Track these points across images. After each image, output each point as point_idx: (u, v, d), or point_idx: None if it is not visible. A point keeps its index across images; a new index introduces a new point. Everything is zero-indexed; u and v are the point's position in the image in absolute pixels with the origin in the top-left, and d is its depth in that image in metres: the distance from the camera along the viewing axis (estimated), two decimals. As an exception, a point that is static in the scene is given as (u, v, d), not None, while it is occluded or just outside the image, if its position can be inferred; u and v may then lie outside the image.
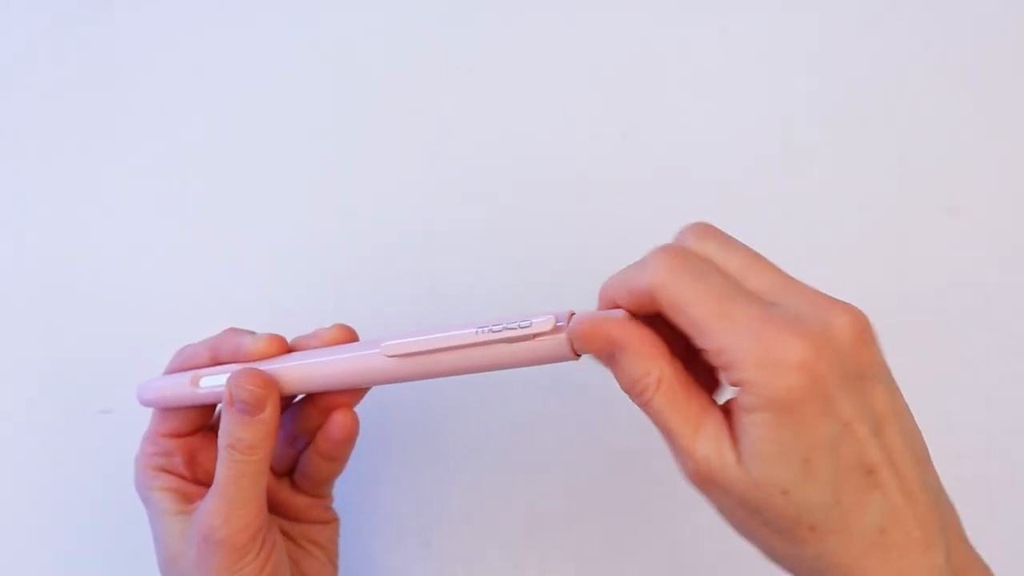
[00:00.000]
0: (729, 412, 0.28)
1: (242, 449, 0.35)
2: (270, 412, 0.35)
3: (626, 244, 0.47)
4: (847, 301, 0.28)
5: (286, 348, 0.37)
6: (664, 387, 0.29)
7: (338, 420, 0.38)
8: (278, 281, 0.48)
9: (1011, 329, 0.46)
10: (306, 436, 0.39)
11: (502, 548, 0.46)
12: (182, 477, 0.38)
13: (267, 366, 0.36)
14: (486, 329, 0.32)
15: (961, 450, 0.46)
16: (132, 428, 0.47)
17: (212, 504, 0.35)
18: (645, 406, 0.29)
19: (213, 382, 0.37)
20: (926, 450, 0.28)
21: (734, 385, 0.27)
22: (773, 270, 0.30)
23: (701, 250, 0.30)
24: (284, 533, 0.39)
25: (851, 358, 0.27)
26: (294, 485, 0.40)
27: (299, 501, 0.40)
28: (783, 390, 0.26)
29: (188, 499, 0.37)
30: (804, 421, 0.26)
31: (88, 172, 0.49)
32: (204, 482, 0.38)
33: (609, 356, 0.30)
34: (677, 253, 0.29)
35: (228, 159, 0.48)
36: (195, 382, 0.37)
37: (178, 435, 0.39)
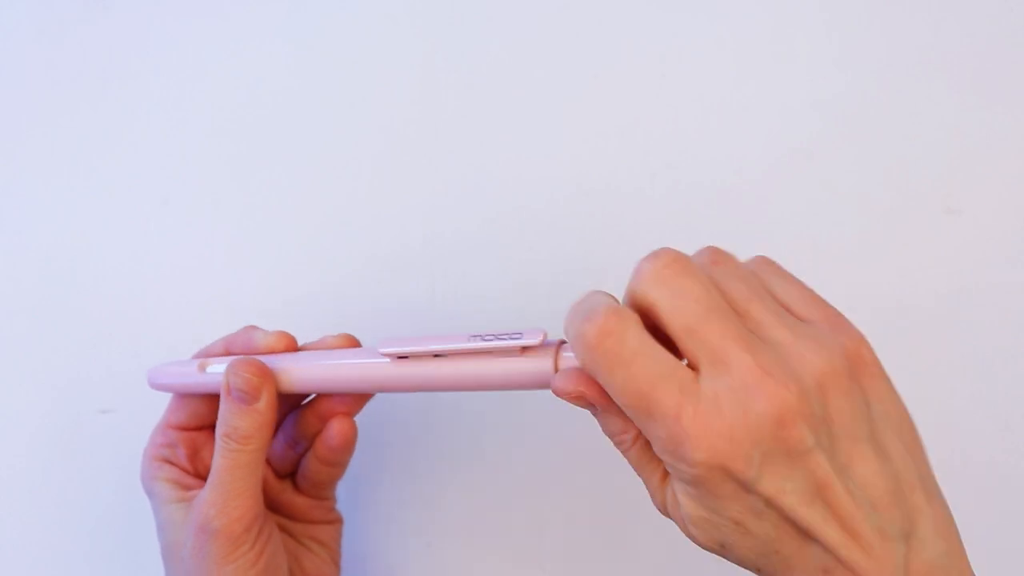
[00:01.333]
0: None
1: (237, 438, 0.35)
2: (266, 402, 0.36)
3: (626, 244, 0.47)
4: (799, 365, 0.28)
5: (294, 346, 0.38)
6: (638, 445, 0.31)
7: (335, 427, 0.39)
8: (278, 282, 0.48)
9: (1011, 329, 0.46)
10: (305, 441, 0.40)
11: (502, 548, 0.46)
12: (184, 469, 0.39)
13: (270, 360, 0.37)
14: (479, 337, 0.33)
15: (961, 449, 0.46)
16: (132, 428, 0.47)
17: (208, 494, 0.35)
18: (623, 454, 0.31)
19: (220, 369, 0.37)
20: (894, 489, 0.28)
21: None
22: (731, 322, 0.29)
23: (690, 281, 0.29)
24: (286, 530, 0.40)
25: (772, 441, 0.27)
26: (296, 487, 0.41)
27: (301, 502, 0.41)
28: (694, 477, 0.27)
29: (187, 489, 0.38)
30: (722, 499, 0.27)
31: (89, 172, 0.49)
32: (204, 476, 0.38)
33: (591, 408, 0.32)
34: (619, 317, 0.29)
35: (228, 160, 0.48)
36: (202, 368, 0.38)
37: (185, 428, 0.39)
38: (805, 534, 0.27)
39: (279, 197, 0.48)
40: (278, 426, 0.40)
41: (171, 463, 0.39)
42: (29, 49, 0.49)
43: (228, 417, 0.36)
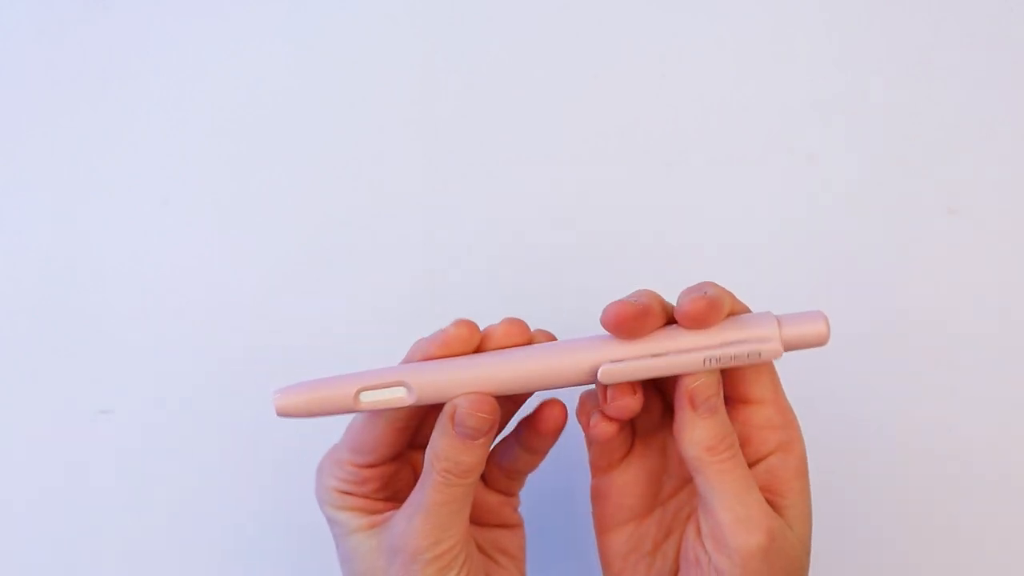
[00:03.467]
0: None
1: (459, 473, 0.33)
2: (491, 436, 0.33)
3: (626, 243, 0.47)
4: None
5: (526, 337, 0.35)
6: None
7: (546, 412, 0.36)
8: (278, 281, 0.48)
9: (1011, 329, 0.46)
10: (498, 429, 0.36)
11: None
12: (370, 498, 0.36)
13: (479, 366, 0.33)
14: (713, 359, 0.32)
15: (961, 450, 0.46)
16: (132, 428, 0.47)
17: (419, 525, 0.33)
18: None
19: (376, 397, 0.33)
20: None
21: None
22: None
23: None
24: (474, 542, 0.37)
25: None
26: (485, 481, 0.38)
27: (490, 500, 0.38)
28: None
29: (375, 513, 0.35)
30: None
31: (89, 172, 0.49)
32: (395, 500, 0.36)
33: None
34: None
35: (228, 160, 0.48)
36: (356, 398, 0.33)
37: (373, 466, 0.36)
38: None
39: (279, 197, 0.48)
40: None
41: (355, 495, 0.36)
42: (29, 49, 0.49)
43: (450, 452, 0.33)
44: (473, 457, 0.33)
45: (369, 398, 0.33)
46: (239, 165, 0.48)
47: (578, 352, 0.33)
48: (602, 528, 0.37)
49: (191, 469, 0.47)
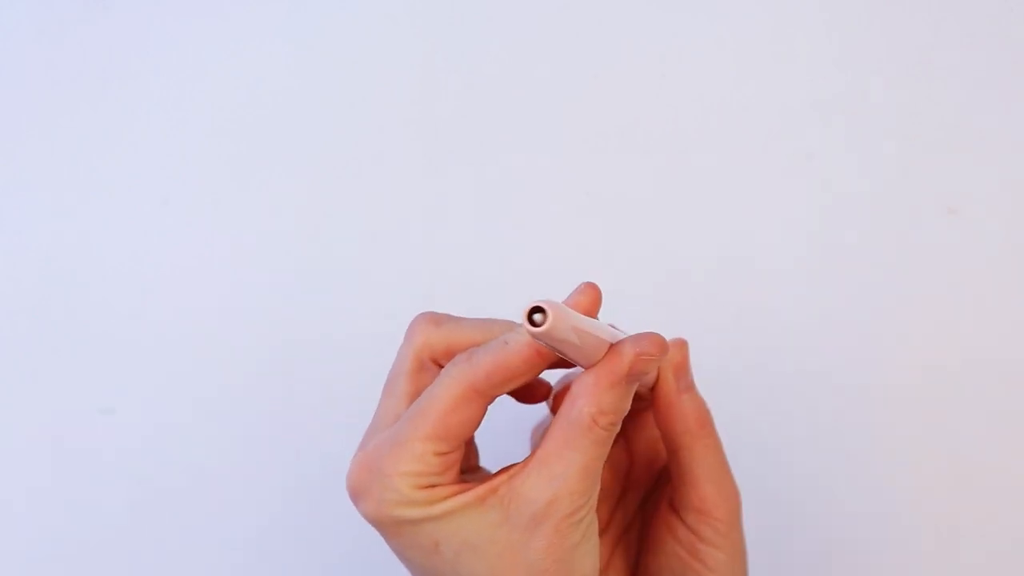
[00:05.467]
0: None
1: (617, 423, 0.31)
2: None
3: (626, 240, 0.47)
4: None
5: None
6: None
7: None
8: (278, 281, 0.48)
9: (1010, 329, 0.46)
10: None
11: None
12: (457, 483, 0.31)
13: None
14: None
15: (960, 451, 0.46)
16: (132, 428, 0.47)
17: (576, 485, 0.30)
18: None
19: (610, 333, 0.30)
20: None
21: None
22: None
23: None
24: None
25: None
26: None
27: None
28: None
29: (468, 487, 0.31)
30: None
31: (89, 172, 0.49)
32: (471, 471, 0.34)
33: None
34: None
35: (228, 160, 0.48)
36: (607, 332, 0.30)
37: (455, 451, 0.31)
38: None
39: (279, 197, 0.48)
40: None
41: (442, 485, 0.31)
42: (29, 49, 0.49)
43: (617, 403, 0.30)
44: (627, 402, 0.31)
45: (603, 331, 0.30)
46: (239, 165, 0.48)
47: None
48: None
49: (192, 469, 0.47)
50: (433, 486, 0.31)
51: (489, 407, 0.31)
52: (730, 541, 0.34)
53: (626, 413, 0.31)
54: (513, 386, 0.31)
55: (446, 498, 0.30)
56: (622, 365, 0.30)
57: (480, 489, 0.31)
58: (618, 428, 0.31)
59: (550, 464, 0.30)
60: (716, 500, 0.34)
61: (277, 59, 0.49)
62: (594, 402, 0.30)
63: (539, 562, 0.30)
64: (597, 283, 0.31)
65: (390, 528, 0.31)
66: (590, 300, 0.30)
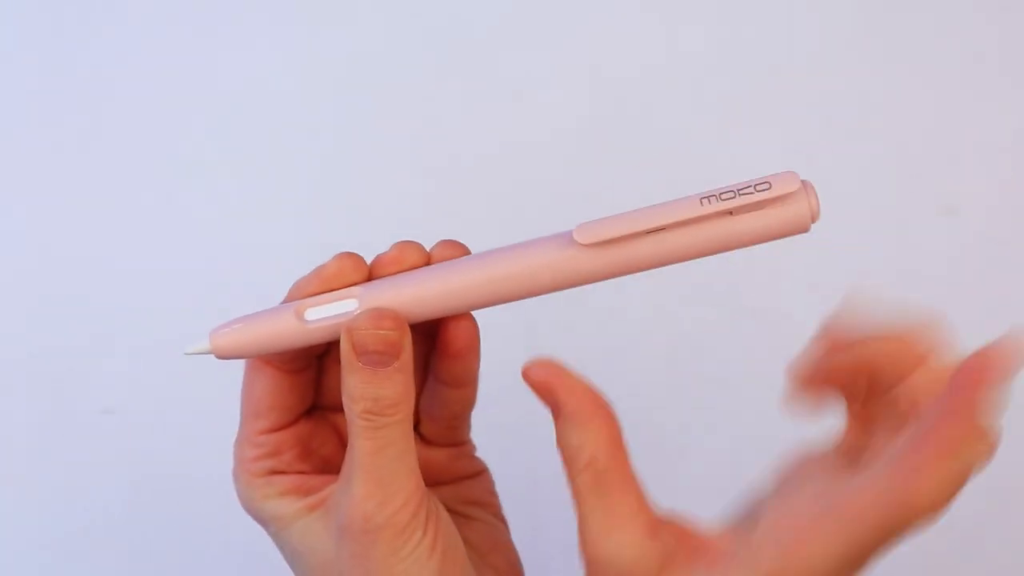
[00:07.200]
0: None
1: (381, 411, 0.28)
2: (407, 356, 0.28)
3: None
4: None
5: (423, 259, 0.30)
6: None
7: (454, 328, 0.30)
8: (278, 280, 0.48)
9: (1009, 329, 0.46)
10: (419, 372, 0.32)
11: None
12: (299, 472, 0.31)
13: (389, 287, 0.28)
14: (713, 198, 0.27)
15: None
16: (132, 428, 0.47)
17: (358, 488, 0.28)
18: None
19: (326, 313, 0.29)
20: None
21: None
22: None
23: None
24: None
25: None
26: (425, 439, 0.33)
27: (438, 456, 0.33)
28: None
29: (313, 493, 0.30)
30: None
31: (89, 172, 0.49)
32: (327, 470, 0.31)
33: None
34: None
35: (228, 161, 0.48)
36: (301, 315, 0.29)
37: (282, 427, 0.31)
38: None
39: (279, 196, 0.48)
40: None
41: (279, 472, 0.31)
42: (29, 49, 0.49)
43: (363, 388, 0.27)
44: (392, 388, 0.28)
45: (316, 315, 0.28)
46: (239, 165, 0.48)
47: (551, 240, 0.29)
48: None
49: (192, 468, 0.47)
50: (271, 473, 0.30)
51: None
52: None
53: (396, 398, 0.28)
54: (276, 351, 0.30)
55: (280, 495, 0.30)
56: (346, 348, 0.28)
57: (315, 497, 0.30)
58: (393, 416, 0.28)
59: (342, 470, 0.29)
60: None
61: (276, 60, 0.49)
62: (343, 391, 0.28)
63: (349, 571, 0.28)
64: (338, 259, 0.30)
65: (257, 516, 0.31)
66: (328, 277, 0.29)
